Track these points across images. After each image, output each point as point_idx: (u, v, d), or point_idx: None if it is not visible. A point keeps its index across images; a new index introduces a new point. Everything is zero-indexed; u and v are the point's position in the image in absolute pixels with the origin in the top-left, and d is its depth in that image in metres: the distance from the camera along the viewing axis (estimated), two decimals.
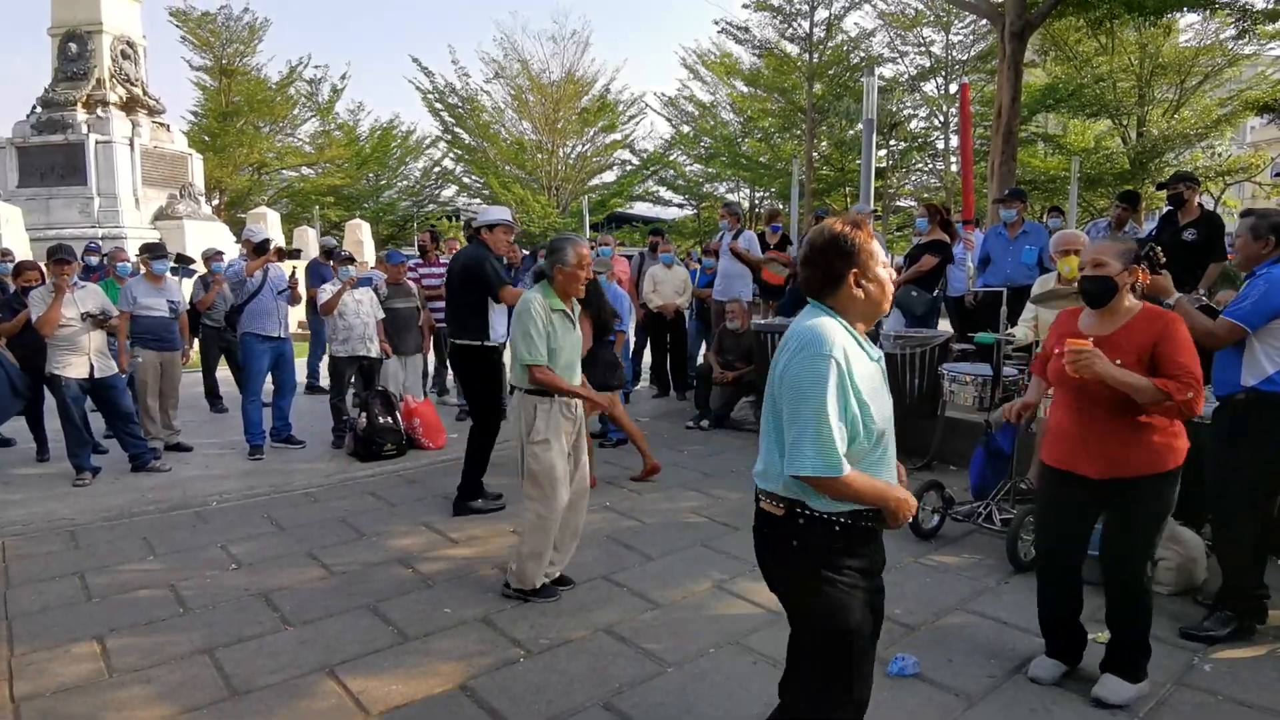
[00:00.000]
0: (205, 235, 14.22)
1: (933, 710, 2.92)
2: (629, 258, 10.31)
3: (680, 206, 30.70)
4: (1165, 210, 6.33)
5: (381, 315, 6.82)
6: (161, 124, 15.18)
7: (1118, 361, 2.73)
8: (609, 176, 29.45)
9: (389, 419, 6.37)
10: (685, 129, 27.58)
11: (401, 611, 3.72)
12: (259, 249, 6.35)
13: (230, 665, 3.24)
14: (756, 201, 28.00)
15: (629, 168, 29.15)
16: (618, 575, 4.15)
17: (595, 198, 27.08)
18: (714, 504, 5.28)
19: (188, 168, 15.35)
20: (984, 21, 14.70)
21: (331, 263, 7.33)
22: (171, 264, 7.00)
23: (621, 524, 4.95)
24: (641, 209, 31.15)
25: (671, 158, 28.44)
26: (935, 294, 6.88)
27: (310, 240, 16.47)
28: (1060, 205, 11.23)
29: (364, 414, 6.33)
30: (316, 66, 27.61)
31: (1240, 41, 12.24)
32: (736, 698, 3.01)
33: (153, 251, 6.51)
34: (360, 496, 5.50)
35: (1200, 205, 6.16)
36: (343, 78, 28.69)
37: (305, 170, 27.93)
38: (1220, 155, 21.54)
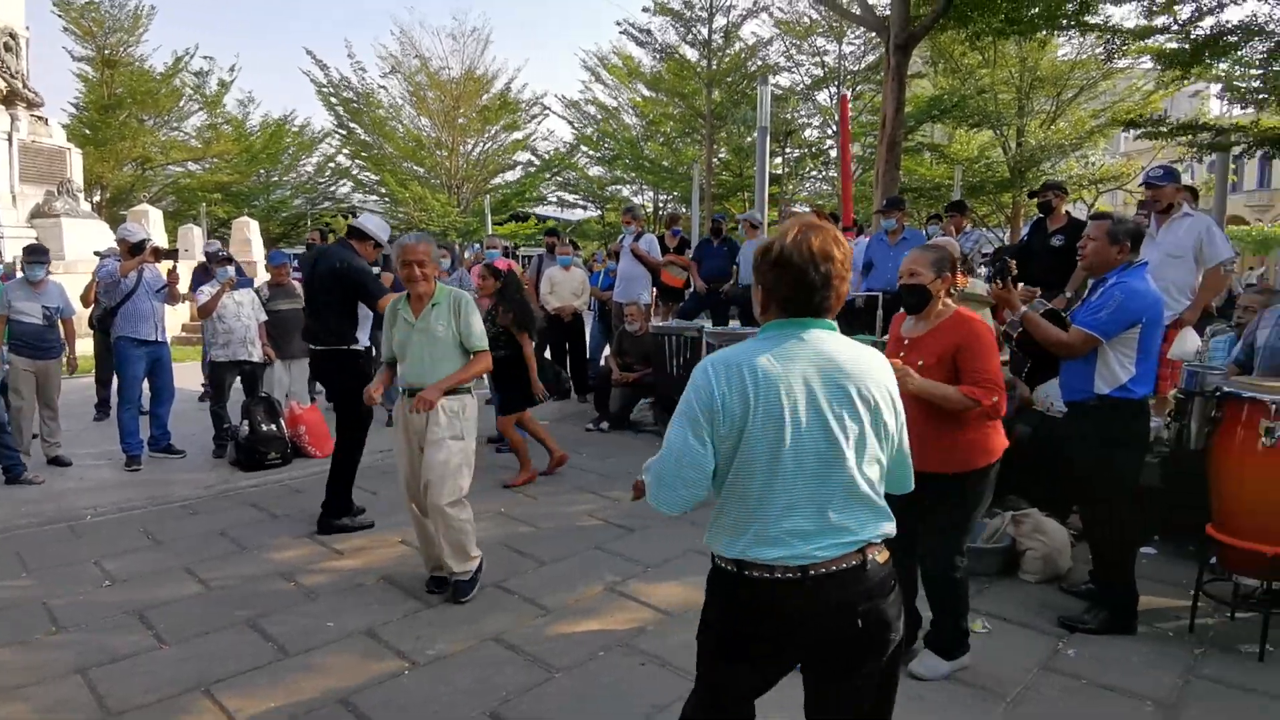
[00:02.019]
0: (84, 234, 13.31)
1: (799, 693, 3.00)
2: (529, 259, 10.24)
3: (584, 208, 30.67)
4: (1036, 217, 6.70)
5: (264, 318, 6.55)
6: (40, 117, 14.16)
7: (920, 363, 2.93)
8: (511, 176, 29.13)
9: (272, 426, 6.13)
10: (588, 131, 27.56)
11: (282, 627, 3.59)
12: (135, 249, 5.99)
13: (104, 685, 3.09)
14: (660, 205, 28.24)
15: (532, 168, 28.90)
16: (509, 582, 4.11)
17: (497, 197, 26.72)
18: (610, 506, 5.29)
19: (66, 163, 14.36)
20: (874, 33, 15.25)
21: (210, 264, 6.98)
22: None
23: (515, 530, 4.90)
24: (546, 210, 30.95)
25: (574, 159, 28.36)
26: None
27: (196, 239, 15.66)
28: (940, 213, 11.75)
29: (246, 421, 6.07)
30: (205, 58, 26.28)
31: (1113, 57, 13.17)
32: (624, 699, 3.02)
33: (33, 255, 6.05)
34: (242, 508, 5.28)
35: (1068, 213, 6.55)
36: (232, 69, 27.24)
37: (191, 166, 26.52)
38: (1093, 165, 22.94)
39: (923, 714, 2.93)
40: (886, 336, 5.09)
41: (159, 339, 6.13)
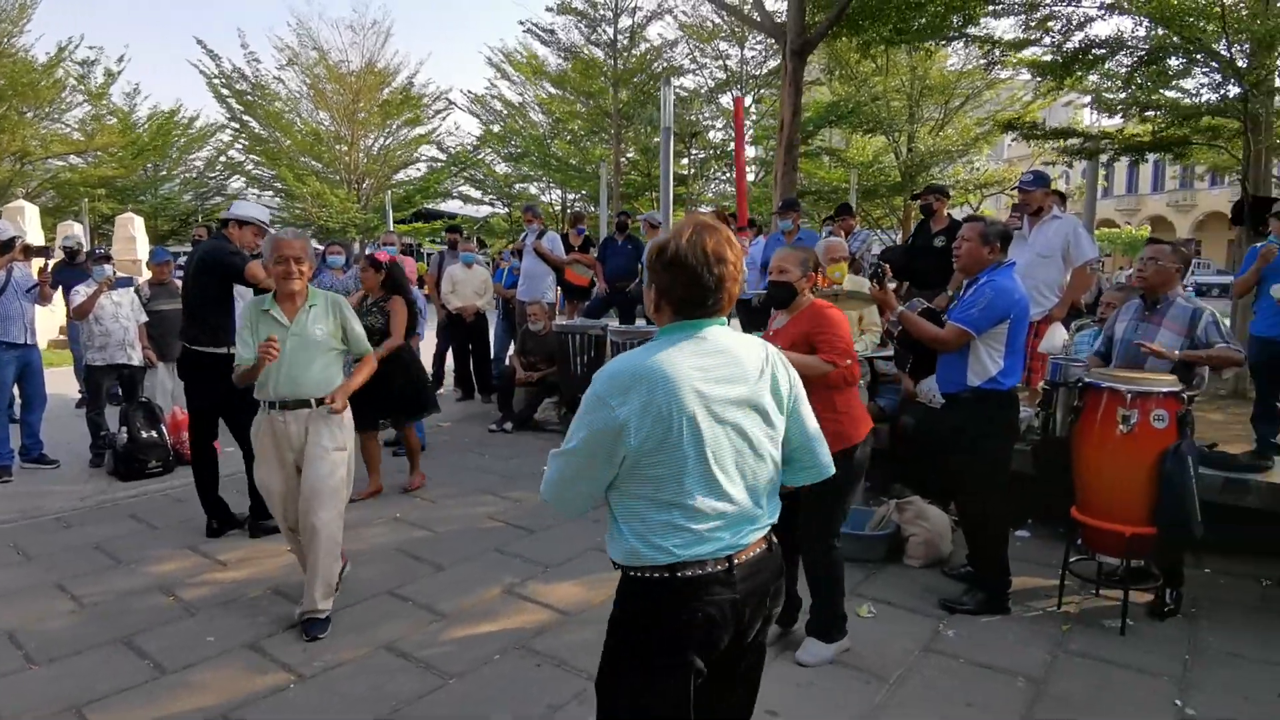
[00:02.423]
0: None
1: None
2: (429, 255, 10.04)
3: (492, 205, 30.29)
4: (920, 220, 7.00)
5: (144, 319, 6.20)
6: None
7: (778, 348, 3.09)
8: (416, 172, 28.51)
9: (153, 433, 5.81)
10: (495, 128, 27.22)
11: (160, 643, 3.42)
12: (4, 247, 5.56)
13: None
14: (569, 204, 28.13)
15: (437, 165, 28.35)
16: (405, 589, 4.02)
17: (400, 194, 26.07)
18: (512, 508, 5.24)
19: None
20: (773, 39, 15.59)
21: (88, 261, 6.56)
22: None
23: (412, 535, 4.80)
24: (453, 207, 30.40)
25: (481, 156, 27.96)
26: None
27: (76, 236, 14.67)
28: (830, 215, 12.12)
29: (125, 428, 5.73)
30: (90, 48, 24.68)
31: (995, 67, 13.84)
32: (519, 701, 3.00)
33: None
34: (120, 520, 4.99)
35: (949, 215, 6.85)
36: (120, 60, 25.60)
37: (73, 159, 24.86)
38: (978, 170, 24.07)
39: (809, 700, 3.02)
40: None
41: (29, 342, 5.74)
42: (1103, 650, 3.41)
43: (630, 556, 1.74)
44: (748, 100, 24.00)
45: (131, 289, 6.25)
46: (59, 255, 7.87)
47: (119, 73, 24.86)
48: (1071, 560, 3.82)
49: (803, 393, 1.91)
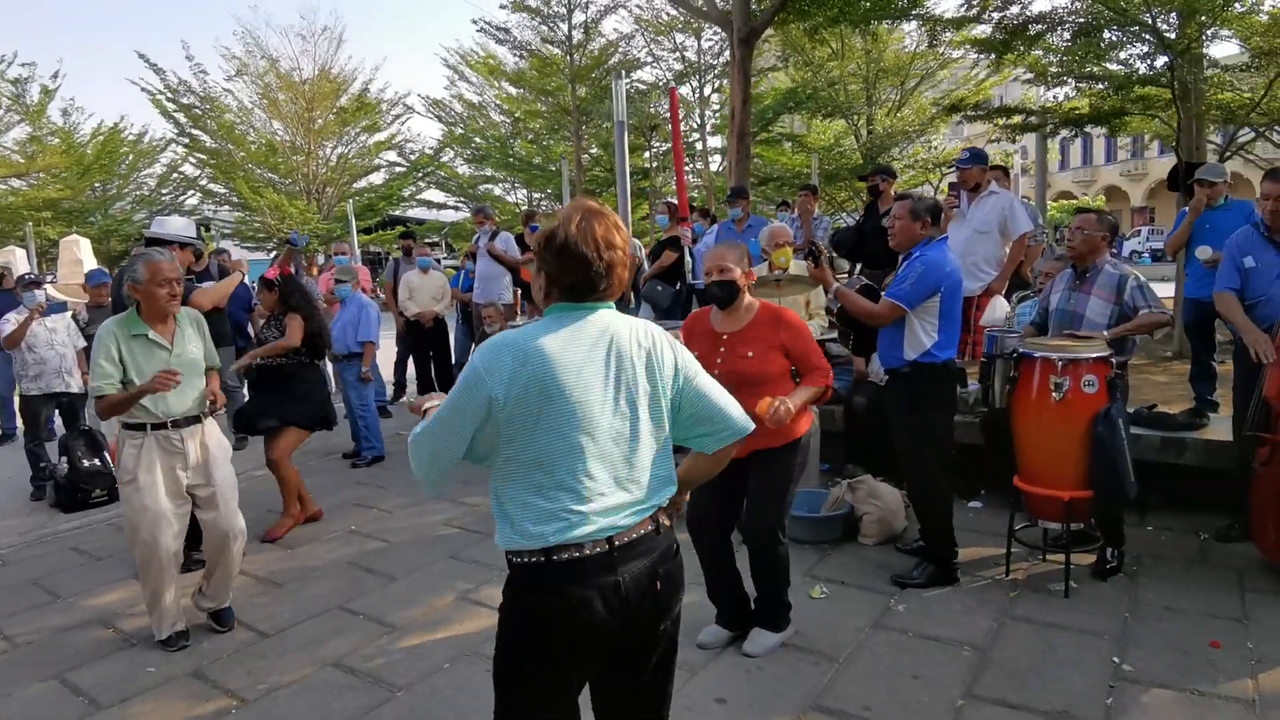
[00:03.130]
0: None
1: None
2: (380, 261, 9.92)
3: (457, 209, 30.06)
4: (869, 201, 7.00)
5: (82, 344, 6.05)
6: None
7: (749, 354, 3.11)
8: (377, 179, 28.22)
9: (96, 461, 5.67)
10: (456, 130, 27.01)
11: (96, 677, 3.32)
12: None
13: None
14: (534, 203, 27.97)
15: (399, 170, 28.09)
16: (355, 603, 3.95)
17: (361, 201, 25.80)
18: (468, 513, 5.18)
19: None
20: None
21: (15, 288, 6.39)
22: None
23: (366, 547, 4.73)
24: (419, 213, 30.13)
25: (443, 159, 27.74)
26: (678, 286, 7.19)
27: (18, 261, 14.33)
28: (788, 200, 12.14)
29: (65, 458, 5.59)
30: (23, 65, 24.12)
31: (942, 47, 13.96)
32: (466, 709, 2.95)
33: None
34: (60, 553, 4.86)
35: (896, 194, 6.85)
36: (54, 77, 25.03)
37: (15, 182, 24.31)
38: (937, 149, 24.25)
39: (757, 685, 3.01)
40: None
41: None
42: (1047, 614, 3.44)
43: (508, 541, 1.73)
44: (707, 90, 24.07)
45: (68, 314, 6.11)
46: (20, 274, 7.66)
47: (55, 89, 24.30)
48: (1017, 528, 3.84)
49: (696, 366, 1.89)
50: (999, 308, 4.82)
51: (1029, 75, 9.98)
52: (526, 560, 1.71)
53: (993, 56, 9.51)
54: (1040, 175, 9.62)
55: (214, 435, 3.69)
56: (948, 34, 10.16)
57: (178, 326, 3.59)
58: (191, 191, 27.33)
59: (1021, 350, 3.67)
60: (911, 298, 3.52)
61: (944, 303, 3.51)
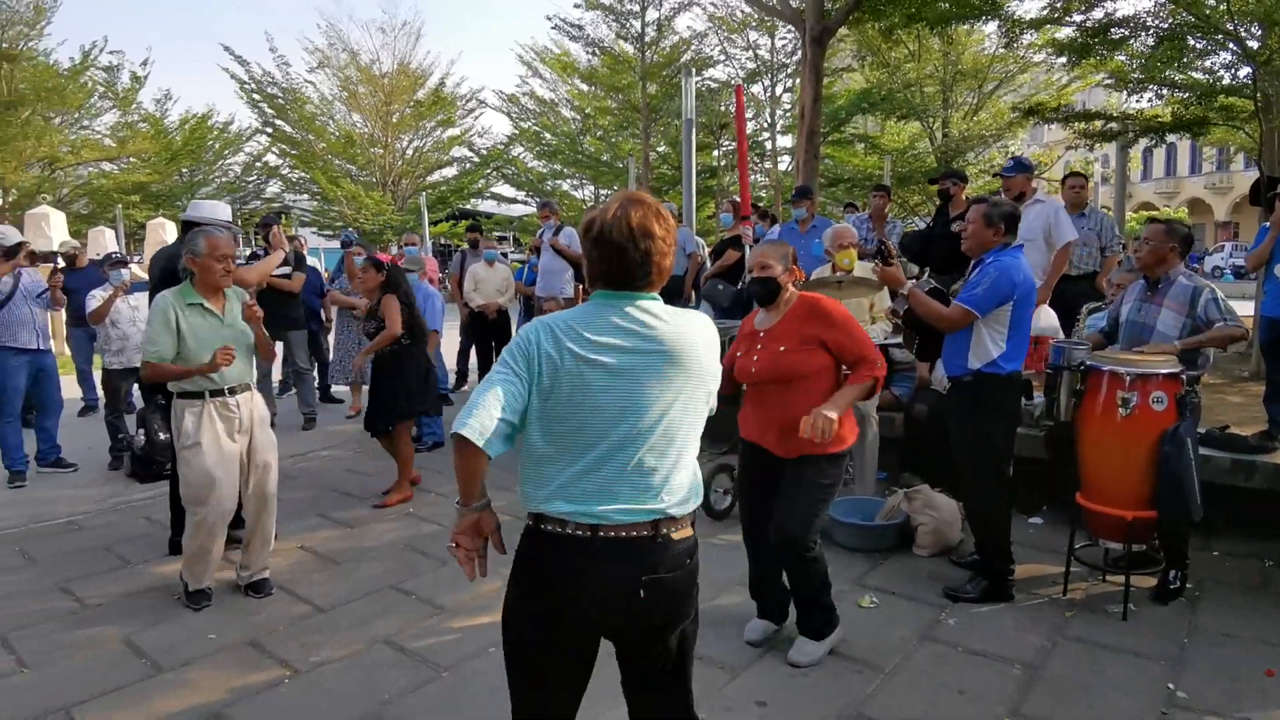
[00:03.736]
0: None
1: (696, 683, 3.02)
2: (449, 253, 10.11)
3: (526, 203, 30.45)
4: (939, 204, 6.86)
5: None
6: None
7: (781, 348, 3.05)
8: (449, 172, 28.78)
9: (170, 435, 5.90)
10: (527, 125, 27.33)
11: (158, 641, 3.47)
12: (9, 253, 5.71)
13: None
14: (600, 199, 28.12)
15: (470, 164, 28.58)
16: (407, 583, 4.05)
17: (434, 194, 26.35)
18: (518, 502, 5.23)
19: None
20: None
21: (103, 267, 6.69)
22: None
23: (421, 530, 4.84)
24: (488, 206, 30.63)
25: (514, 154, 28.12)
26: (739, 286, 7.15)
27: (108, 242, 15.07)
28: (854, 202, 11.98)
29: (142, 430, 5.85)
30: (113, 52, 25.32)
31: (1018, 48, 13.56)
32: (506, 694, 2.98)
33: None
34: (132, 521, 5.08)
35: (968, 199, 6.69)
36: (144, 64, 26.19)
37: (106, 165, 25.51)
38: (1013, 154, 23.58)
39: (798, 691, 2.98)
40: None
41: (41, 347, 5.83)
42: (1101, 636, 3.33)
43: (520, 499, 1.80)
44: (778, 89, 23.87)
45: (147, 292, 6.37)
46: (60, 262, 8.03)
47: (145, 77, 25.37)
48: (1077, 546, 3.72)
49: (718, 376, 1.89)
50: (1044, 317, 4.71)
51: (1110, 80, 9.65)
52: (528, 523, 1.78)
53: (1073, 60, 9.21)
54: (1120, 185, 9.32)
55: (259, 403, 3.93)
56: (1028, 36, 9.88)
57: (227, 301, 3.81)
58: (274, 180, 28.20)
59: (1089, 363, 3.55)
60: (984, 304, 3.41)
61: (1015, 312, 3.41)
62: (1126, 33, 8.15)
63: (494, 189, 29.30)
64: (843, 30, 11.59)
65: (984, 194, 6.60)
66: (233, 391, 3.74)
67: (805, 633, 3.20)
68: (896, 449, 5.32)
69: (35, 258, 5.92)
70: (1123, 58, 9.04)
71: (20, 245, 5.75)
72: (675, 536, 1.79)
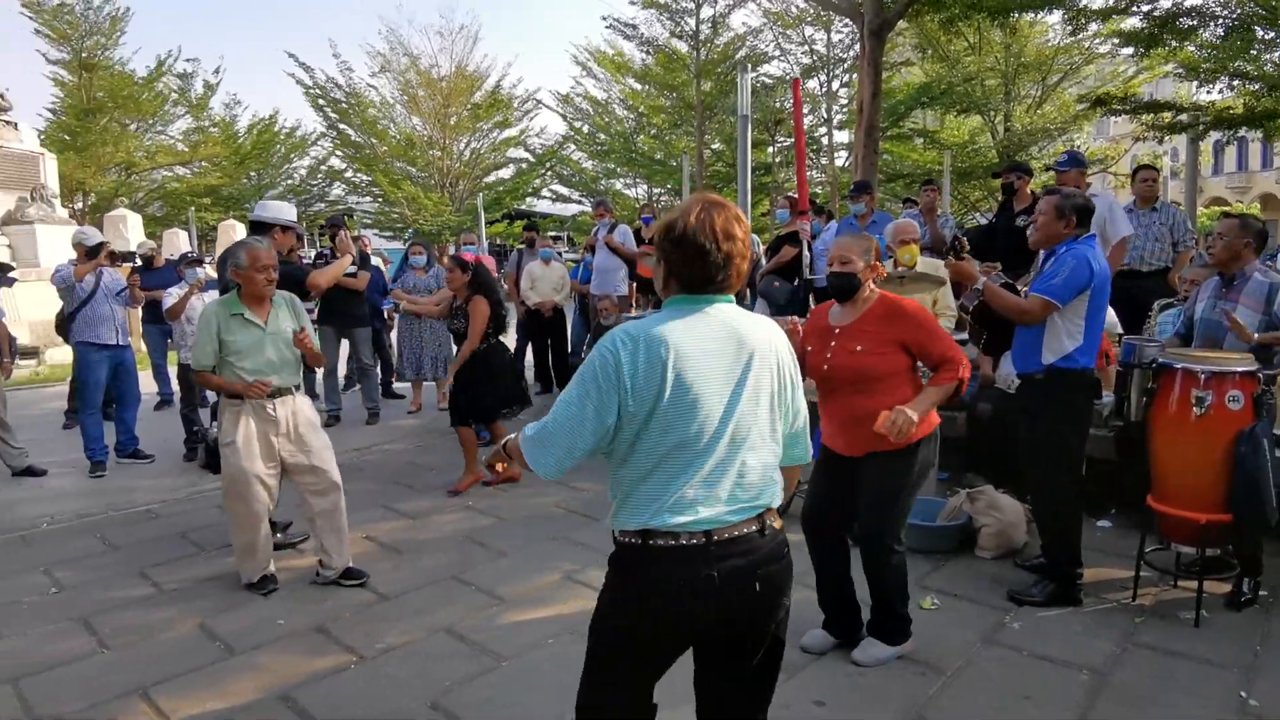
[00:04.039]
0: (60, 240, 13.33)
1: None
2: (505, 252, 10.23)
3: (580, 203, 30.65)
4: (1003, 199, 6.71)
5: None
6: (8, 122, 14.12)
7: (858, 348, 2.98)
8: (505, 173, 29.12)
9: None
10: (580, 125, 27.52)
11: (231, 626, 3.60)
12: (91, 253, 5.99)
13: (34, 694, 3.07)
14: (654, 198, 28.16)
15: (525, 165, 28.89)
16: (467, 574, 4.13)
17: (490, 195, 26.70)
18: (576, 496, 5.30)
19: (39, 168, 14.34)
20: None
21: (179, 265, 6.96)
22: None
23: (479, 522, 4.92)
24: (542, 207, 30.91)
25: (568, 154, 28.33)
26: (795, 283, 7.09)
27: (180, 243, 15.67)
28: (914, 198, 11.73)
29: (216, 424, 6.04)
30: (187, 60, 26.26)
31: (1084, 39, 13.17)
32: (565, 685, 2.98)
33: None
34: (206, 510, 5.27)
35: (1032, 192, 6.53)
36: (216, 72, 27.27)
37: (179, 170, 26.51)
38: (1080, 148, 22.88)
39: (858, 691, 2.95)
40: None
41: (120, 343, 6.11)
42: (1173, 642, 3.22)
43: (615, 521, 1.78)
44: (835, 84, 23.59)
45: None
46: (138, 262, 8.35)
47: (216, 84, 26.27)
48: (1148, 550, 3.60)
49: (799, 379, 1.90)
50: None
51: (1179, 71, 9.30)
52: (627, 541, 1.76)
53: (1140, 51, 8.90)
54: (1190, 179, 8.96)
55: (304, 406, 4.04)
56: (1093, 26, 9.60)
57: (273, 308, 3.93)
58: (337, 182, 28.90)
59: (1161, 360, 3.43)
60: (1063, 294, 3.31)
61: (1091, 301, 3.31)
62: (1194, 23, 7.85)
63: (548, 188, 29.55)
64: (901, 23, 11.41)
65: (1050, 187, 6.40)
66: (271, 395, 3.86)
67: (875, 634, 3.15)
68: (959, 449, 5.22)
69: (115, 257, 6.18)
70: (1192, 48, 8.71)
71: (101, 245, 6.02)
72: (776, 526, 1.83)
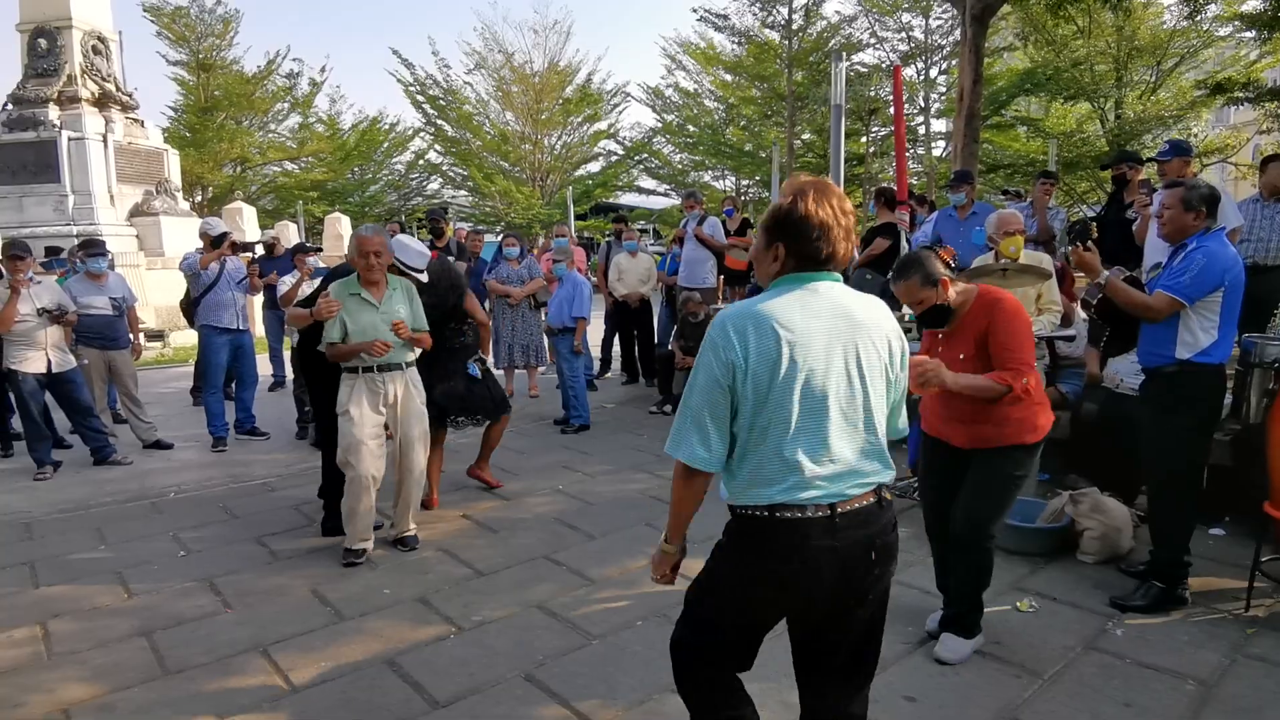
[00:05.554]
0: (183, 231, 14.23)
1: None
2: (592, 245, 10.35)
3: (666, 195, 30.70)
4: (1112, 190, 6.43)
5: None
6: (135, 120, 15.09)
7: (960, 356, 2.93)
8: (594, 167, 29.42)
9: None
10: (669, 118, 27.53)
11: (341, 593, 3.82)
12: (215, 242, 6.39)
13: (165, 647, 3.32)
14: (743, 190, 27.97)
15: (614, 158, 29.11)
16: (558, 554, 4.25)
17: (580, 188, 27.03)
18: (663, 485, 5.37)
19: (164, 164, 15.30)
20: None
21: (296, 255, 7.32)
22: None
23: (569, 506, 5.05)
24: (630, 199, 31.11)
25: (656, 146, 28.39)
26: (888, 276, 6.96)
27: (291, 235, 16.47)
28: (1017, 189, 11.29)
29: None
30: (294, 59, 27.56)
31: (1210, 22, 12.38)
32: (653, 665, 3.10)
33: (91, 249, 6.43)
34: (316, 485, 5.49)
35: (1142, 183, 6.24)
36: (322, 70, 28.36)
37: (288, 165, 27.80)
38: (1197, 136, 21.54)
39: (949, 690, 2.92)
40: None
41: (241, 327, 6.52)
42: None
43: (736, 495, 1.83)
44: (932, 72, 22.93)
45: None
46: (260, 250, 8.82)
47: (322, 82, 27.37)
48: (1263, 560, 3.42)
49: (906, 355, 1.93)
50: None
51: None
52: (751, 513, 1.81)
53: (1263, 34, 8.32)
54: None
55: (414, 381, 4.31)
56: (1212, 8, 9.03)
57: (389, 290, 4.20)
58: (435, 177, 29.73)
59: None
60: (1192, 293, 3.19)
61: (1226, 297, 3.18)
62: None
63: (636, 182, 29.69)
64: (1005, 7, 10.99)
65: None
66: (381, 369, 4.14)
67: (953, 629, 3.13)
68: (1061, 450, 5.05)
69: (237, 247, 6.57)
70: None
71: (224, 235, 6.42)
72: (889, 498, 1.89)
